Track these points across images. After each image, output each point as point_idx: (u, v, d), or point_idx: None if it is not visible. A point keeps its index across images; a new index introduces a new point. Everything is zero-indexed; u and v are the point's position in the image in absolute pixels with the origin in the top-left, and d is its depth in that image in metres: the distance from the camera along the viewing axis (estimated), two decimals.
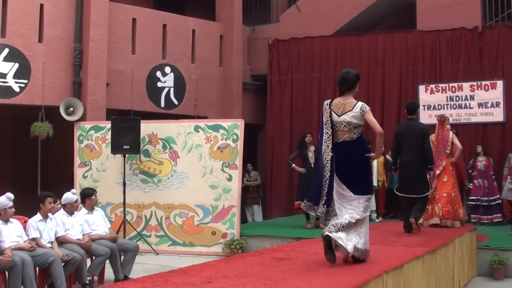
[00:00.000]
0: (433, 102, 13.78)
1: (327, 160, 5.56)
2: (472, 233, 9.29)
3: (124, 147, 11.01)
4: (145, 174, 11.59)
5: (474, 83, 13.50)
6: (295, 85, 15.55)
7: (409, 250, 6.42)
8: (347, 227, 5.47)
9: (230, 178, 11.25)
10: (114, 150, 11.08)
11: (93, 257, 8.15)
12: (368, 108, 5.66)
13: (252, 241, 11.01)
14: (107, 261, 8.22)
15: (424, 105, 13.88)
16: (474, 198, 12.33)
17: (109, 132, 11.30)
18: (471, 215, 12.21)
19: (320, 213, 5.63)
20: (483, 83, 13.40)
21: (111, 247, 8.19)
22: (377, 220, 12.85)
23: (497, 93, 13.26)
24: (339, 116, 5.62)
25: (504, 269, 9.00)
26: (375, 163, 12.92)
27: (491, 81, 13.34)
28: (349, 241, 5.43)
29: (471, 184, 12.46)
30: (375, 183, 12.87)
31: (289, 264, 5.39)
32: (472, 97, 13.49)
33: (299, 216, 13.24)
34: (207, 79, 14.60)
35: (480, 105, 13.42)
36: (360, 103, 5.65)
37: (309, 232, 10.99)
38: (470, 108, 13.51)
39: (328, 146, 5.58)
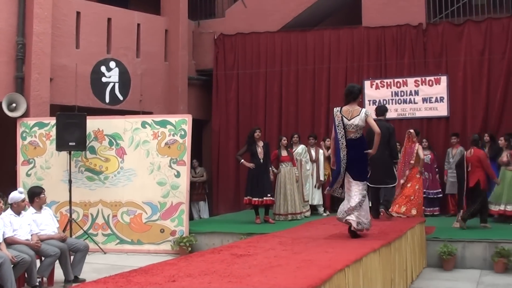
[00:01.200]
0: (378, 97, 14.09)
1: (344, 155, 7.21)
2: (422, 225, 9.54)
3: (70, 143, 10.80)
4: (91, 171, 11.42)
5: (419, 79, 13.88)
6: (241, 80, 15.62)
7: (365, 243, 6.54)
8: (353, 209, 7.15)
9: (178, 175, 11.20)
10: (59, 147, 10.88)
11: (43, 258, 7.99)
12: (369, 112, 7.36)
13: (202, 238, 11.01)
14: (57, 262, 8.09)
15: (369, 100, 14.20)
16: None
17: (54, 129, 11.10)
18: None
19: (338, 194, 7.51)
20: (428, 78, 13.80)
21: (60, 247, 8.06)
22: (324, 214, 13.07)
23: (441, 88, 13.67)
24: (349, 120, 7.21)
25: (453, 259, 9.33)
26: (321, 157, 13.14)
27: (435, 77, 13.76)
28: (354, 221, 7.14)
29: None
30: (321, 177, 13.11)
31: (250, 261, 5.42)
32: (416, 92, 13.87)
33: (247, 212, 13.32)
34: (152, 74, 14.50)
35: (424, 100, 13.81)
36: (364, 109, 7.32)
37: (259, 227, 11.06)
38: (415, 103, 13.89)
39: (343, 143, 7.22)
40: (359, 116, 7.18)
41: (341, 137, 7.20)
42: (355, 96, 7.34)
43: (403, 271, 7.69)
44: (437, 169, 12.98)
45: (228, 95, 15.70)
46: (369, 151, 7.37)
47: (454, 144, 12.74)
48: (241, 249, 6.19)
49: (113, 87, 13.71)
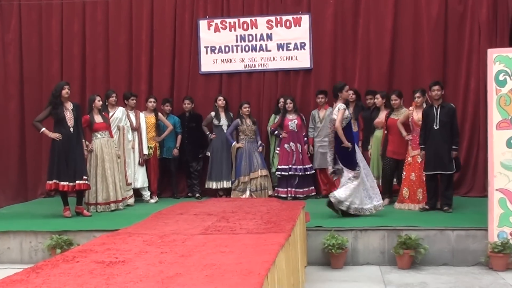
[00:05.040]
0: (219, 43, 13.75)
1: (332, 146, 10.45)
2: (303, 211, 9.25)
3: None
4: None
5: (272, 18, 13.63)
6: (25, 16, 14.57)
7: (264, 238, 6.33)
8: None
9: None
10: None
11: None
12: (342, 107, 10.15)
13: None
14: None
15: (206, 47, 13.81)
16: (286, 167, 12.44)
17: None
18: (280, 188, 12.39)
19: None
20: (284, 18, 13.59)
21: None
22: (152, 200, 12.89)
23: (302, 31, 13.51)
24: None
25: (344, 254, 9.24)
26: (143, 123, 12.65)
27: (294, 16, 13.55)
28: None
29: (278, 149, 12.62)
30: (145, 151, 12.67)
31: (132, 270, 4.96)
32: (269, 37, 13.66)
33: (42, 201, 13.09)
34: None
35: (280, 46, 13.61)
36: (338, 105, 10.23)
37: (73, 222, 10.57)
38: (267, 50, 13.65)
39: (332, 137, 10.39)
40: (333, 111, 10.29)
41: (331, 131, 10.37)
42: (334, 94, 10.44)
43: (297, 271, 7.50)
44: (306, 138, 12.77)
45: (5, 37, 14.59)
46: (344, 144, 10.12)
47: (321, 104, 12.62)
48: (102, 254, 5.69)
49: None
